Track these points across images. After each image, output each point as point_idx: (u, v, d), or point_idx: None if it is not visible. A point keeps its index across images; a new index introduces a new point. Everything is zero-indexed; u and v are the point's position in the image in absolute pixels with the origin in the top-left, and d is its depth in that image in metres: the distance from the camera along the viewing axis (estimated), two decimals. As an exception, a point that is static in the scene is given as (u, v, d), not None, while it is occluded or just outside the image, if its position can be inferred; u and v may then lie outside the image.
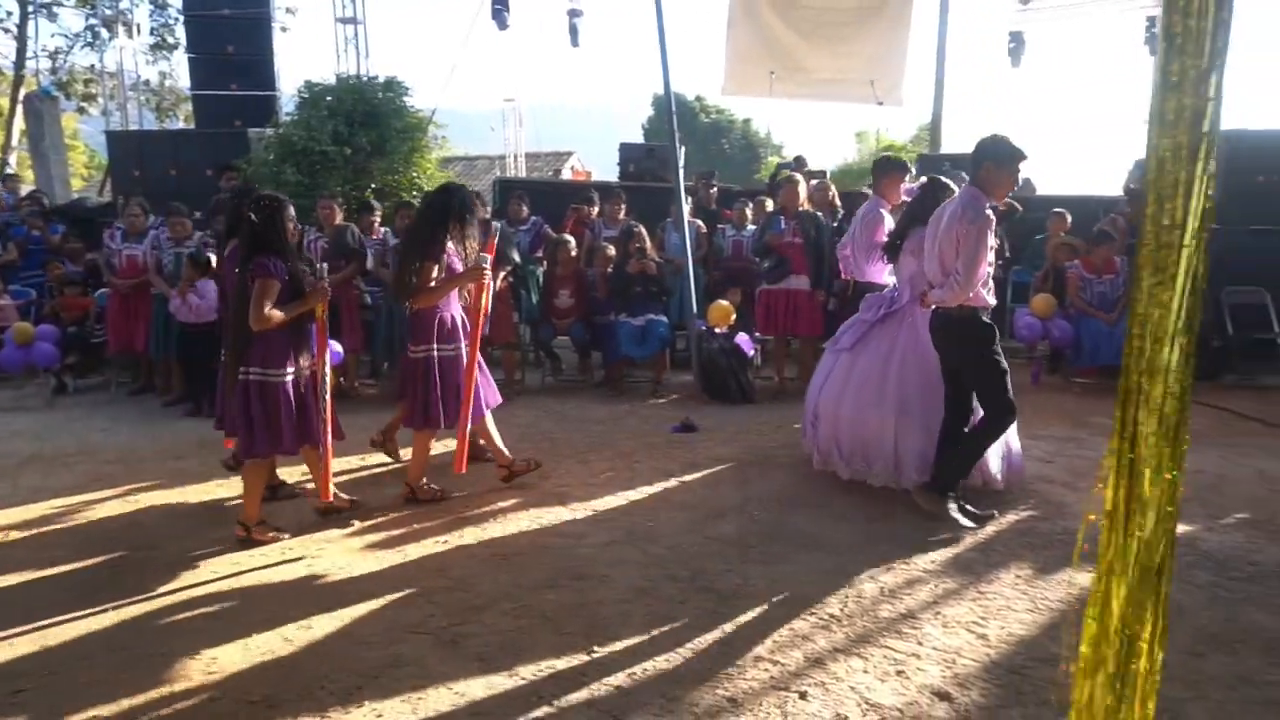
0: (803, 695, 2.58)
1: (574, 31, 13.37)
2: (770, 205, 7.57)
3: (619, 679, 2.67)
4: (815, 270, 6.59)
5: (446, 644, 2.91)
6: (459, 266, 4.31)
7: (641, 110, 42.45)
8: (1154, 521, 1.43)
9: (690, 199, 8.13)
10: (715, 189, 8.83)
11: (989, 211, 3.80)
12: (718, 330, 6.59)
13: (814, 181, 7.85)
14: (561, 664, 2.77)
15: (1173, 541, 1.44)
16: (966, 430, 4.09)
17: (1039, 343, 7.11)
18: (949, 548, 3.69)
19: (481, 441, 4.63)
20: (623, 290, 6.89)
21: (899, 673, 2.70)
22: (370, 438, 4.98)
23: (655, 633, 2.96)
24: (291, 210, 4.02)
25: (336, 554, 3.73)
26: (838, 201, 7.43)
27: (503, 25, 12.92)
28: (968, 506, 4.02)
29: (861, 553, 3.64)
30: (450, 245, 4.27)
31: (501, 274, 6.54)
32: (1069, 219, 7.64)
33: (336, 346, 5.28)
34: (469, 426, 4.29)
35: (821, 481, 4.58)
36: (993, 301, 4.01)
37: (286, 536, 3.94)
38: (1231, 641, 2.87)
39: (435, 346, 4.28)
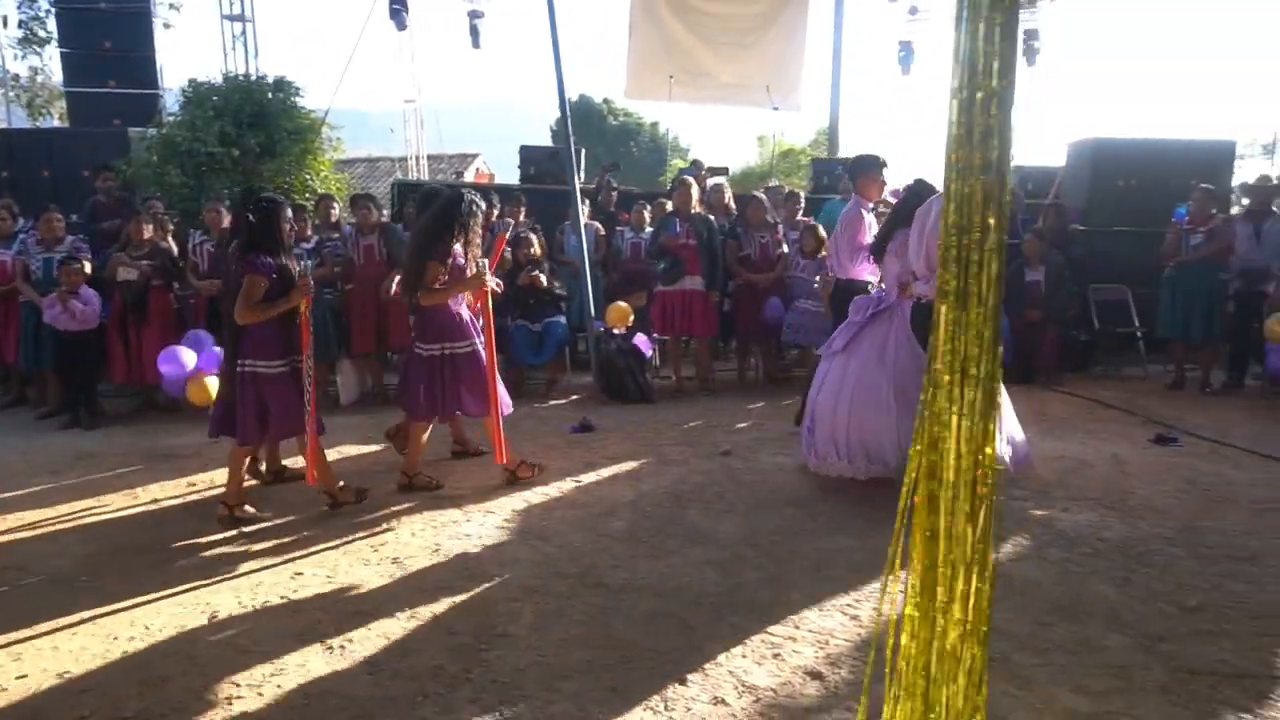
0: (682, 681, 2.68)
1: (475, 33, 13.30)
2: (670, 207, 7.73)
3: (505, 675, 2.72)
4: (709, 271, 6.76)
5: (334, 650, 2.90)
6: (466, 268, 4.52)
7: (552, 111, 42.38)
8: (967, 512, 1.54)
9: (588, 201, 8.22)
10: (616, 191, 8.92)
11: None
12: (616, 331, 6.68)
13: (710, 184, 8.05)
14: (450, 663, 2.80)
15: (989, 528, 1.54)
16: None
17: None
18: (834, 537, 3.86)
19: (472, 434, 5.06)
20: (518, 297, 6.92)
21: (775, 655, 2.83)
22: (385, 430, 5.14)
23: (544, 629, 3.02)
24: (289, 212, 4.29)
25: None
26: (732, 204, 7.63)
27: (401, 25, 12.73)
28: None
29: (749, 544, 3.78)
30: (456, 247, 4.46)
31: (398, 278, 6.48)
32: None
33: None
34: (485, 418, 4.65)
35: (712, 477, 4.72)
36: None
37: (269, 516, 4.19)
38: (1077, 611, 3.10)
39: (448, 345, 4.49)
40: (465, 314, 4.58)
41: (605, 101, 41.04)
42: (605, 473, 4.87)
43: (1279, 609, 3.12)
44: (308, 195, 8.54)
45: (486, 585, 3.40)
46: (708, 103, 13.29)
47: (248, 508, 4.19)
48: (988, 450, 1.49)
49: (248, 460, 4.43)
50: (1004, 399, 4.41)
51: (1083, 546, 3.69)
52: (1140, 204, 8.58)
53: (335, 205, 7.16)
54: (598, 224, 7.99)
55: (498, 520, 4.13)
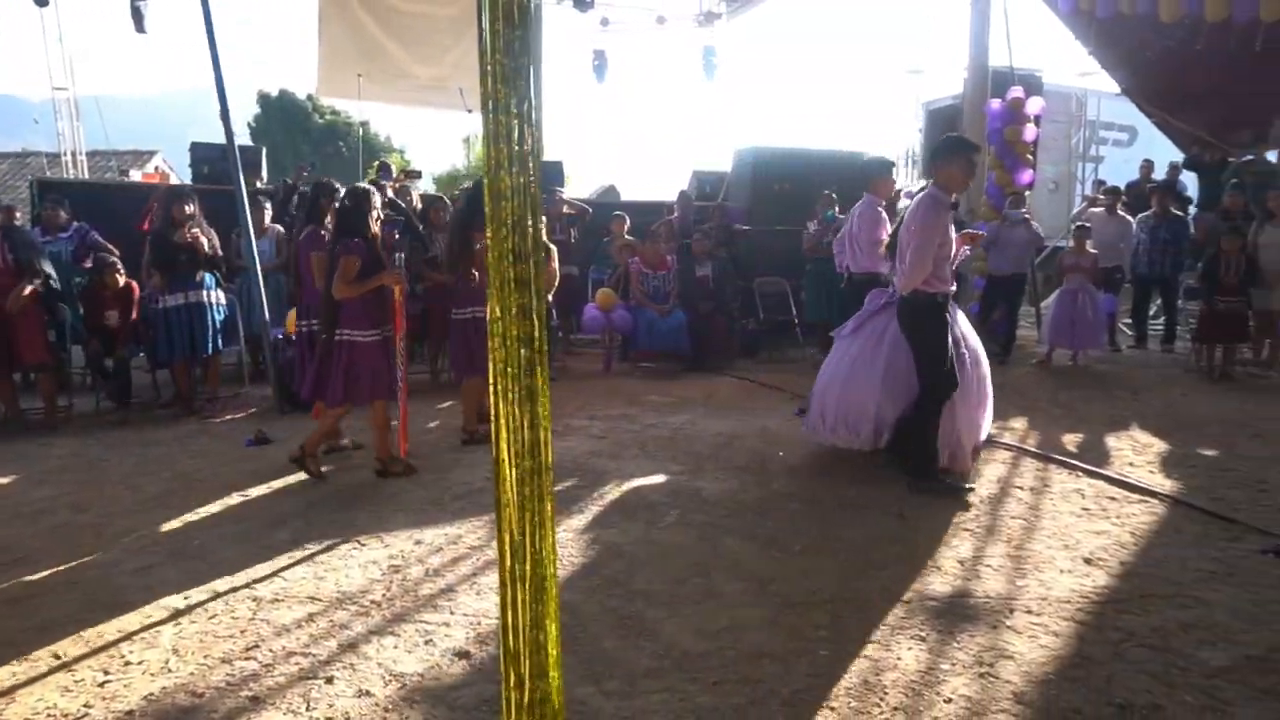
0: (329, 680, 2.67)
1: (138, 16, 11.97)
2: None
3: (134, 703, 2.55)
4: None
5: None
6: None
7: (250, 106, 39.25)
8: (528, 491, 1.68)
9: (270, 203, 7.78)
10: (299, 193, 8.48)
11: (944, 209, 4.29)
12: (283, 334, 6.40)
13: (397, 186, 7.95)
14: (65, 702, 2.57)
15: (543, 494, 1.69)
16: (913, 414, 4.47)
17: (604, 332, 7.90)
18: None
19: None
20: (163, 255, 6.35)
21: (427, 641, 2.91)
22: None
23: (186, 648, 2.87)
24: (376, 200, 4.81)
25: None
26: (418, 204, 7.59)
27: (41, 2, 11.22)
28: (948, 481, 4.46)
29: (417, 540, 3.82)
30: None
31: (29, 287, 5.76)
32: (628, 221, 8.58)
33: None
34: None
35: (390, 480, 4.69)
36: (947, 288, 4.40)
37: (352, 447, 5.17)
38: (709, 567, 3.49)
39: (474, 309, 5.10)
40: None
41: (309, 98, 38.69)
42: (277, 484, 4.67)
43: (863, 544, 3.72)
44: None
45: (125, 613, 3.14)
46: (403, 104, 13.05)
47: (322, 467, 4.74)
48: (540, 441, 1.63)
49: (336, 421, 4.89)
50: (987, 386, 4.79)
51: (721, 509, 4.15)
52: (794, 205, 9.66)
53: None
54: (279, 227, 7.58)
55: (146, 544, 3.82)
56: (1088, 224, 8.90)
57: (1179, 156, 11.30)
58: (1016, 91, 9.17)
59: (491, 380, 1.63)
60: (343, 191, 4.85)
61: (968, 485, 4.47)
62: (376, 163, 11.94)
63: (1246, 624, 2.95)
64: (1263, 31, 7.65)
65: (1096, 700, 2.48)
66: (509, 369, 1.63)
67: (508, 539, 1.66)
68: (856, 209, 6.05)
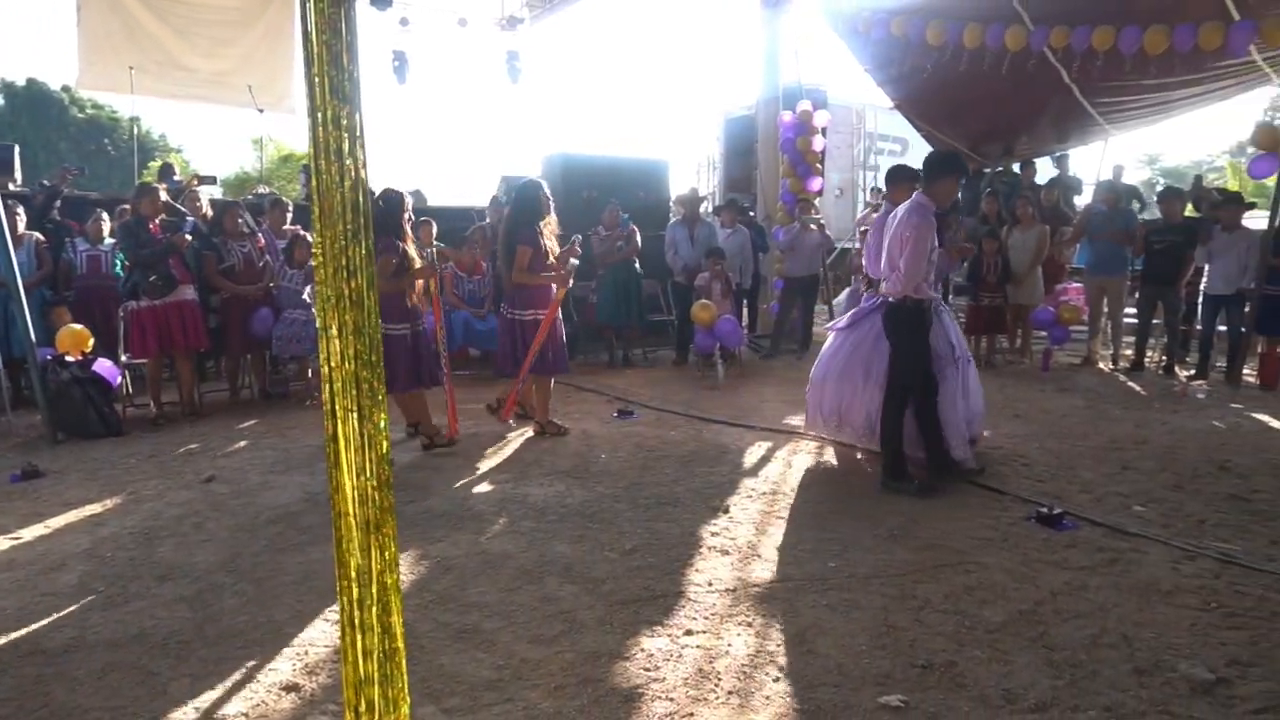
0: (137, 732, 2.46)
1: None
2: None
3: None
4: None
5: None
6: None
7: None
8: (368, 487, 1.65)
9: (25, 208, 6.95)
10: (60, 197, 7.63)
11: (932, 217, 4.38)
12: (70, 359, 5.78)
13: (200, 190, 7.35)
14: None
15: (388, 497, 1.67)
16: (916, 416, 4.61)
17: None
18: (323, 546, 3.82)
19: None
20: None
21: (249, 679, 2.74)
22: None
23: (-47, 718, 2.53)
24: (410, 201, 5.32)
25: None
26: (208, 210, 7.07)
27: None
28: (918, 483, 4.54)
29: (229, 571, 3.57)
30: (544, 232, 5.50)
31: None
32: (435, 227, 8.40)
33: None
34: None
35: (192, 508, 4.36)
36: (934, 294, 4.57)
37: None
38: (540, 573, 3.51)
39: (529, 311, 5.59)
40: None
41: (65, 90, 34.79)
42: (56, 523, 4.20)
43: (689, 538, 3.88)
44: None
45: None
46: (183, 99, 12.02)
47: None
48: (381, 455, 1.59)
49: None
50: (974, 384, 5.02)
51: (549, 514, 4.18)
52: (601, 212, 9.86)
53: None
54: (37, 234, 6.79)
55: (-107, 603, 3.33)
56: (870, 228, 9.68)
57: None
58: (805, 105, 9.83)
59: (327, 398, 1.59)
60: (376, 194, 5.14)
61: (976, 468, 4.74)
62: (158, 163, 10.93)
63: (1018, 582, 3.35)
64: (1008, 58, 8.66)
65: (903, 663, 2.74)
66: (346, 387, 1.59)
67: (352, 562, 1.62)
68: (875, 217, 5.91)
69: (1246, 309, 7.55)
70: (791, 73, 10.41)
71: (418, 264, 5.18)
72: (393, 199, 5.08)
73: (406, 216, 5.16)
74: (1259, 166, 7.71)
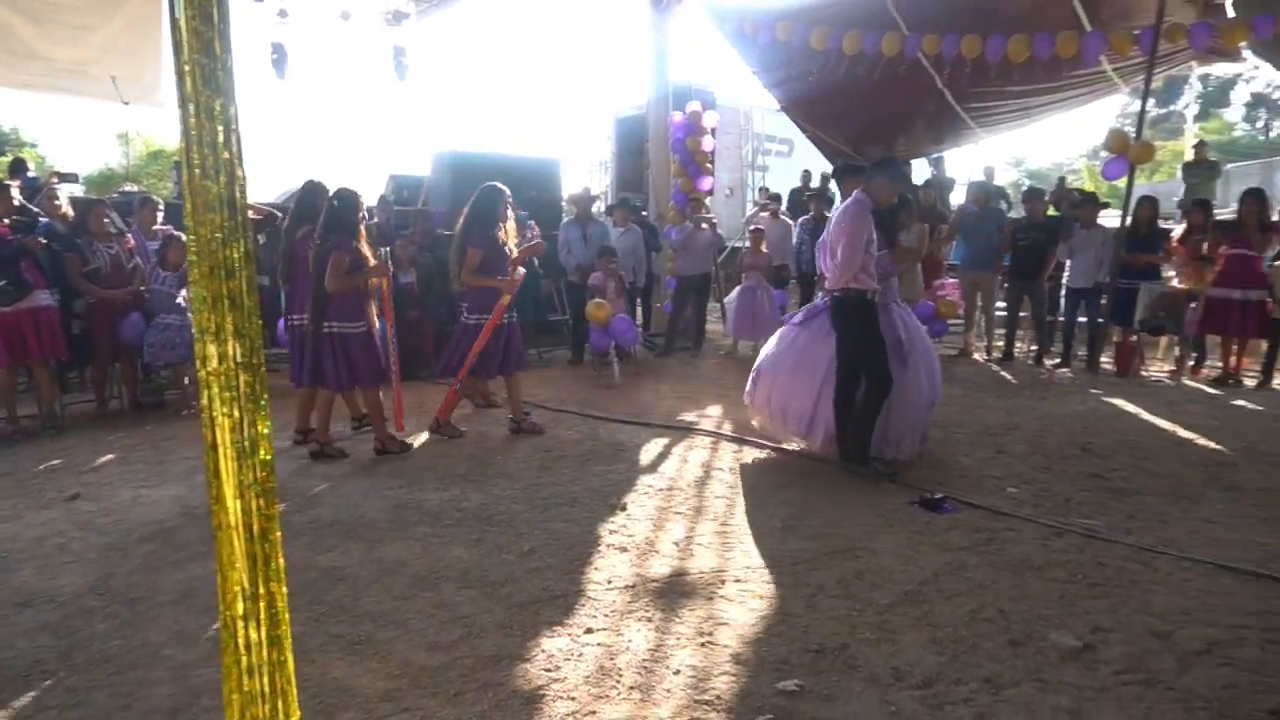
0: (-3, 771, 2.28)
1: None
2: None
3: None
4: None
5: None
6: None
7: None
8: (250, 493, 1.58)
9: None
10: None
11: (868, 212, 4.54)
12: None
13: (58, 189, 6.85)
14: None
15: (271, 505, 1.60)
16: (856, 404, 4.68)
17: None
18: (203, 562, 3.63)
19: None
20: None
21: (125, 707, 2.58)
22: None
23: None
24: (363, 201, 5.21)
25: None
26: (68, 209, 6.61)
27: None
28: (879, 467, 4.70)
29: (98, 593, 3.35)
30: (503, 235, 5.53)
31: None
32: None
33: None
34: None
35: (54, 528, 4.07)
36: (874, 285, 4.60)
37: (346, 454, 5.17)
38: (436, 579, 3.44)
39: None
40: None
41: (-103, 79, 31.80)
42: (-103, 549, 3.85)
43: (586, 537, 3.88)
44: None
45: None
46: (37, 90, 11.21)
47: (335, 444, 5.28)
48: (260, 456, 1.53)
49: (331, 404, 5.29)
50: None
51: (445, 519, 4.10)
52: (495, 210, 9.76)
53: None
54: None
55: None
56: (761, 227, 9.91)
57: (829, 167, 12.94)
58: (695, 105, 9.97)
59: (205, 404, 1.52)
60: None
61: (889, 473, 4.68)
62: (8, 158, 10.15)
63: (903, 565, 3.50)
64: (881, 63, 9.03)
65: (799, 649, 2.82)
66: (226, 391, 1.52)
67: (234, 576, 1.55)
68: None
69: (1103, 301, 8.12)
70: (682, 73, 10.55)
71: (372, 262, 5.14)
72: (347, 198, 5.07)
73: (360, 215, 5.13)
74: (1112, 169, 8.29)
